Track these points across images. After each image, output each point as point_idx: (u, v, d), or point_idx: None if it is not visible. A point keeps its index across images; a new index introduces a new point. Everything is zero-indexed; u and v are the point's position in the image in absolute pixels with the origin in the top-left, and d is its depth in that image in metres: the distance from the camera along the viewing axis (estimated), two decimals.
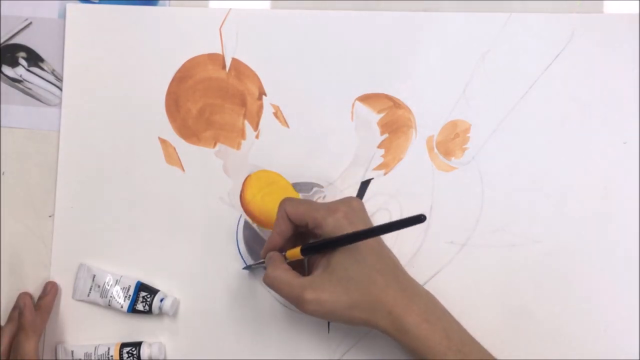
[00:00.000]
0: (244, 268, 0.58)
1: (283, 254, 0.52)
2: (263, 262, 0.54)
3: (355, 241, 0.47)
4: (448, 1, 0.59)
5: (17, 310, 0.57)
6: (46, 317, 0.58)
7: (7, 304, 0.59)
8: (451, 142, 0.58)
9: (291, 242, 0.53)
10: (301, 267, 0.54)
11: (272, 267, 0.50)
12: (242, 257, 0.58)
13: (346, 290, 0.48)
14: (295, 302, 0.49)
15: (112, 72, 0.61)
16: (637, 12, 0.58)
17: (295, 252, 0.51)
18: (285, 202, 0.52)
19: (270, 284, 0.50)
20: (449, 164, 0.58)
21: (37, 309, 0.58)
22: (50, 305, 0.58)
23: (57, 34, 0.61)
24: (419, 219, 0.42)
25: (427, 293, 0.51)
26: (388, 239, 0.50)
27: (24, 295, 0.58)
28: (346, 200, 0.51)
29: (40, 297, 0.58)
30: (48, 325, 0.59)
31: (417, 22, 0.59)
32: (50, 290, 0.58)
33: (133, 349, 0.57)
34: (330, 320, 0.50)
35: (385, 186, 0.58)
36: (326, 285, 0.48)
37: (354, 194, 0.58)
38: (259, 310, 0.58)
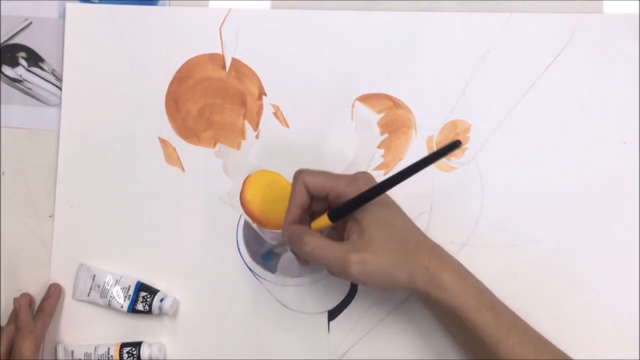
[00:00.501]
0: (262, 256, 0.57)
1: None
2: (279, 246, 0.54)
3: (390, 187, 0.47)
4: (448, 1, 0.59)
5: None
6: (49, 319, 0.58)
7: (7, 304, 0.59)
8: None
9: (310, 214, 0.52)
10: None
11: (307, 236, 0.49)
12: (242, 257, 0.58)
13: (387, 250, 0.48)
14: (340, 265, 0.48)
15: (112, 72, 0.61)
16: (637, 12, 0.58)
17: (322, 222, 0.50)
18: (302, 173, 0.51)
19: (311, 251, 0.48)
20: (449, 164, 0.58)
21: (39, 310, 0.58)
22: (52, 308, 0.58)
23: (57, 34, 0.61)
24: (455, 145, 0.44)
25: (450, 254, 0.52)
26: None
27: (19, 297, 0.58)
28: (360, 175, 0.51)
29: (44, 299, 0.58)
30: None
31: (417, 22, 0.59)
32: (54, 292, 0.58)
33: (133, 349, 0.57)
34: (371, 283, 0.49)
35: None
36: (368, 246, 0.48)
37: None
38: (259, 310, 0.58)
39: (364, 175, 0.51)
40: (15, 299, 0.57)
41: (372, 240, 0.48)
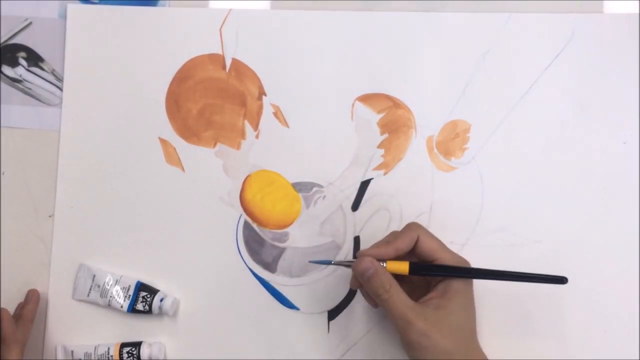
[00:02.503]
0: (325, 264, 0.56)
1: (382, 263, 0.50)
2: (349, 262, 0.51)
3: (471, 277, 0.49)
4: (448, 1, 0.59)
5: None
6: (29, 326, 0.57)
7: (7, 304, 0.59)
8: (451, 142, 0.58)
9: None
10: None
11: (392, 286, 0.48)
12: (242, 257, 0.58)
13: (453, 338, 0.47)
14: (404, 325, 0.47)
15: (112, 72, 0.61)
16: (637, 12, 0.58)
17: (399, 267, 0.49)
18: (420, 228, 0.51)
19: (386, 300, 0.48)
20: (449, 164, 0.58)
21: (19, 317, 0.57)
22: (32, 314, 0.57)
23: (57, 34, 0.61)
24: (560, 280, 0.47)
25: None
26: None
27: (2, 309, 0.56)
28: (415, 227, 0.51)
29: (22, 306, 0.58)
30: (48, 325, 0.59)
31: (417, 22, 0.59)
32: (32, 298, 0.58)
33: (133, 349, 0.57)
34: (419, 355, 0.48)
35: (385, 186, 0.58)
36: (438, 323, 0.47)
37: (354, 194, 0.58)
38: (258, 310, 0.58)
39: (420, 228, 0.51)
40: None
41: (444, 320, 0.48)
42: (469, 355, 0.48)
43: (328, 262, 0.55)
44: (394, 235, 0.51)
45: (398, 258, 0.50)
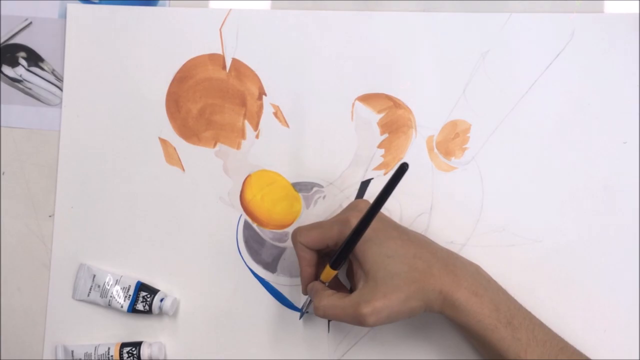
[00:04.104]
0: (300, 317, 0.57)
1: (320, 280, 0.52)
2: (308, 304, 0.54)
3: (368, 224, 0.47)
4: (448, 1, 0.59)
5: None
6: None
7: (7, 304, 0.59)
8: (451, 142, 0.58)
9: (322, 264, 0.52)
10: (342, 285, 0.55)
11: (317, 298, 0.50)
12: (242, 257, 0.58)
13: (395, 288, 0.47)
14: (355, 321, 0.48)
15: (112, 72, 0.61)
16: (637, 12, 0.58)
17: (327, 272, 0.51)
18: (296, 234, 0.52)
19: (323, 314, 0.49)
20: (449, 164, 0.58)
21: None
22: None
23: (57, 34, 0.61)
24: (402, 169, 0.43)
25: (470, 263, 0.51)
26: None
27: None
28: (353, 206, 0.52)
29: None
30: (48, 325, 0.59)
31: (417, 22, 0.59)
32: None
33: (133, 349, 0.57)
34: (392, 322, 0.49)
35: None
36: (375, 293, 0.47)
37: (354, 194, 0.58)
38: (258, 310, 0.58)
39: (356, 207, 0.51)
40: None
41: (377, 284, 0.48)
42: (428, 286, 0.47)
43: (303, 312, 0.56)
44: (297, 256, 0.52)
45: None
